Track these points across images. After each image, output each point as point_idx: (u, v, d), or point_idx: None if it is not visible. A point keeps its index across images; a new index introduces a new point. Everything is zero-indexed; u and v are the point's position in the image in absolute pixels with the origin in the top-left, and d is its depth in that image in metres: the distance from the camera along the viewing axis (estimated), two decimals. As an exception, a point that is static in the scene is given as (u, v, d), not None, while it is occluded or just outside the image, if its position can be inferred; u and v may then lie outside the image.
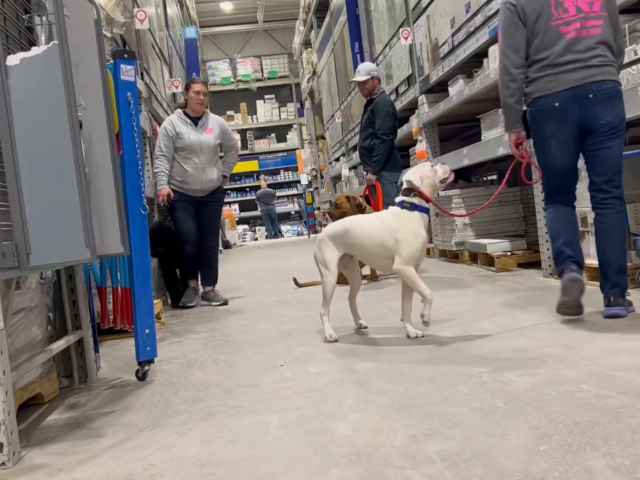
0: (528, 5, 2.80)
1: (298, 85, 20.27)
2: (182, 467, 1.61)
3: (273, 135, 21.53)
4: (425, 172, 2.82)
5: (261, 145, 21.34)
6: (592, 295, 3.40)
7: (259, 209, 18.54)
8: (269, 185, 18.71)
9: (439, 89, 6.29)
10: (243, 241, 17.88)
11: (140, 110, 4.48)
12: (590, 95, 2.75)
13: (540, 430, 1.57)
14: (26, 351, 2.27)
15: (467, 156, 5.43)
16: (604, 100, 2.73)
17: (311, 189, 18.50)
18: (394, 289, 4.52)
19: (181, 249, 4.71)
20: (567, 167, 2.88)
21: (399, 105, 7.50)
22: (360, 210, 4.69)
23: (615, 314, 2.74)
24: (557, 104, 2.78)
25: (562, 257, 2.85)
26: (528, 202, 5.84)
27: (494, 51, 4.62)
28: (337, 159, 13.28)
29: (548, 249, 4.29)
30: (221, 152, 5.03)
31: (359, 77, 5.35)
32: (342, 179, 12.05)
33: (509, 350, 2.40)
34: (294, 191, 20.90)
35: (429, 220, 3.32)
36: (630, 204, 3.49)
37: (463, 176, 7.10)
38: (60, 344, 2.45)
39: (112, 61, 2.49)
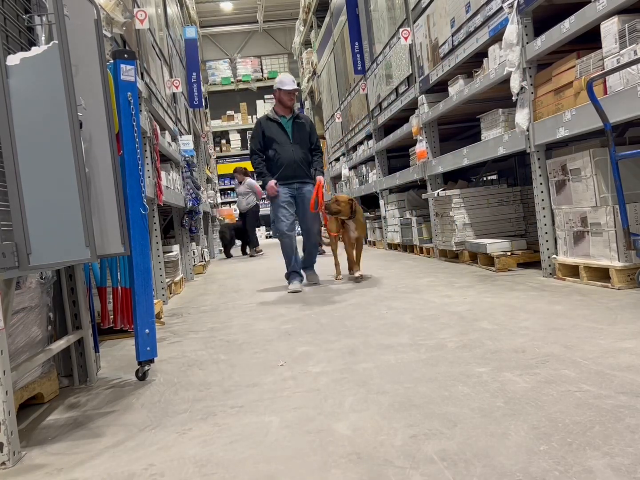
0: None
1: (298, 85, 20.26)
2: (182, 467, 1.61)
3: (273, 135, 21.51)
4: None
5: (261, 145, 21.33)
6: (592, 295, 3.40)
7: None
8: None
9: (439, 89, 6.28)
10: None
11: (140, 110, 4.49)
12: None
13: (540, 430, 1.57)
14: (26, 351, 2.28)
15: (467, 156, 5.43)
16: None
17: (311, 189, 18.43)
18: (393, 289, 4.52)
19: None
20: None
21: (398, 106, 7.51)
22: (352, 210, 5.27)
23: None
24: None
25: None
26: (528, 202, 5.84)
27: (494, 51, 4.67)
28: (337, 159, 13.28)
29: (548, 249, 4.30)
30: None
31: (294, 86, 5.26)
32: (342, 179, 12.05)
33: (509, 350, 2.41)
34: (294, 191, 20.89)
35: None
36: (630, 204, 3.49)
37: (463, 176, 7.11)
38: (60, 344, 2.45)
39: (112, 61, 2.49)
